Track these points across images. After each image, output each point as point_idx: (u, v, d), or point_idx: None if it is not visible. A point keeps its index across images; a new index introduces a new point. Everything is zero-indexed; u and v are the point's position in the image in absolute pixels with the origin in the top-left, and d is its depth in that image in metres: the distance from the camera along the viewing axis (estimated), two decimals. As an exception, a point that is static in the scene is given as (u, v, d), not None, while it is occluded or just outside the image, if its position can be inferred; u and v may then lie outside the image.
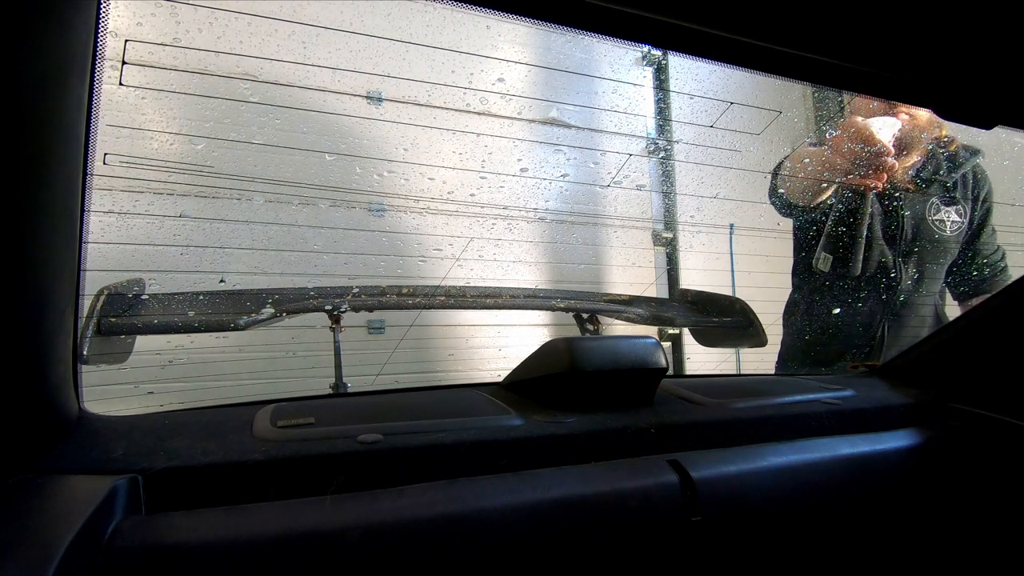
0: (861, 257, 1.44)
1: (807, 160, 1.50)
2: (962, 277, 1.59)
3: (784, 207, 1.61)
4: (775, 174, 1.60)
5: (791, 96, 1.87)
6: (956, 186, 1.53)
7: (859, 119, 1.34)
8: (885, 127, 1.33)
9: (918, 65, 0.58)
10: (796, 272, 1.71)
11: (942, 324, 1.58)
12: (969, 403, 0.97)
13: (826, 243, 1.51)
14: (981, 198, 1.56)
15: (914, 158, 1.51)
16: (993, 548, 0.91)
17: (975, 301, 1.56)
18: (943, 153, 1.53)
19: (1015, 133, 0.72)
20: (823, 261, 1.45)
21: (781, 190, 1.58)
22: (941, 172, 1.52)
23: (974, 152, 1.55)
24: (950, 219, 1.52)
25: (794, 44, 0.54)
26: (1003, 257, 1.60)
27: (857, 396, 0.99)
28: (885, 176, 1.33)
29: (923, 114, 1.46)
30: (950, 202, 1.52)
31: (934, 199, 1.52)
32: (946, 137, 1.53)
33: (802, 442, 0.84)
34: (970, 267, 1.57)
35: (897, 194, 1.51)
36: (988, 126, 0.67)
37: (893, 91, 0.63)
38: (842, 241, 1.44)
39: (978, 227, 1.57)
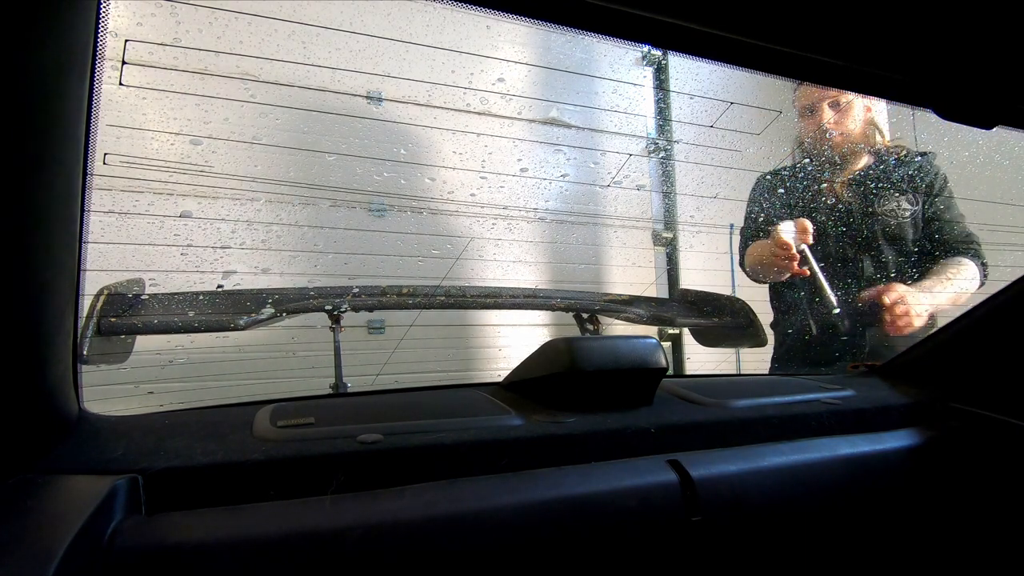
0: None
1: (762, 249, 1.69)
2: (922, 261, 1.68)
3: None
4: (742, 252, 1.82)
5: (791, 96, 1.88)
6: (904, 180, 1.67)
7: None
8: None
9: (918, 65, 0.58)
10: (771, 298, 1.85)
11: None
12: (969, 403, 0.97)
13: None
14: (934, 190, 1.66)
15: (859, 164, 1.69)
16: (993, 548, 0.91)
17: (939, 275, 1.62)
18: (888, 155, 1.69)
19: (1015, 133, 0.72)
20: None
21: (747, 269, 1.80)
22: (885, 171, 1.68)
23: (922, 153, 1.70)
24: (901, 207, 1.64)
25: (794, 44, 0.54)
26: (968, 237, 1.63)
27: (857, 396, 0.99)
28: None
29: (856, 129, 1.66)
30: (899, 193, 1.65)
31: (882, 194, 1.67)
32: (890, 144, 1.71)
33: (802, 442, 0.84)
34: (932, 251, 1.66)
35: (853, 201, 1.67)
36: (988, 126, 0.67)
37: (893, 91, 0.63)
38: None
39: (934, 215, 1.66)
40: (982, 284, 1.60)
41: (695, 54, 0.56)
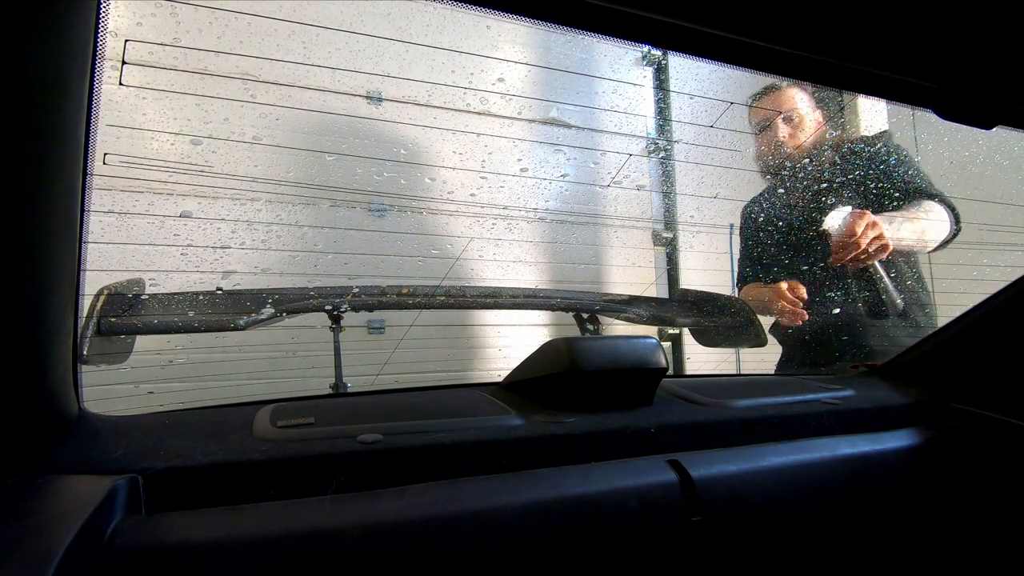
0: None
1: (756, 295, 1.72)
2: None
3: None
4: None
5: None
6: (867, 165, 1.66)
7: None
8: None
9: (918, 65, 0.58)
10: None
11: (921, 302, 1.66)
12: (969, 403, 0.97)
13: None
14: (897, 165, 1.64)
15: (824, 164, 1.68)
16: (993, 548, 0.91)
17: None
18: (846, 149, 1.70)
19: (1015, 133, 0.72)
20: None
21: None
22: (851, 164, 1.68)
23: (875, 136, 1.68)
24: (872, 194, 1.63)
25: (794, 44, 0.54)
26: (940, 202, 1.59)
27: (857, 396, 0.99)
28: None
29: (802, 137, 1.67)
30: (867, 180, 1.65)
31: (853, 186, 1.66)
32: (850, 140, 1.71)
33: (802, 442, 0.84)
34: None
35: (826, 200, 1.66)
36: (988, 126, 0.67)
37: (893, 91, 0.63)
38: None
39: (910, 190, 1.63)
40: (953, 233, 1.56)
41: (695, 54, 0.56)
